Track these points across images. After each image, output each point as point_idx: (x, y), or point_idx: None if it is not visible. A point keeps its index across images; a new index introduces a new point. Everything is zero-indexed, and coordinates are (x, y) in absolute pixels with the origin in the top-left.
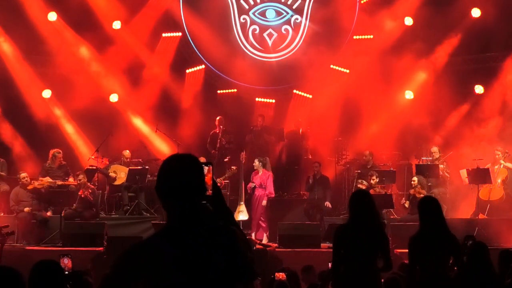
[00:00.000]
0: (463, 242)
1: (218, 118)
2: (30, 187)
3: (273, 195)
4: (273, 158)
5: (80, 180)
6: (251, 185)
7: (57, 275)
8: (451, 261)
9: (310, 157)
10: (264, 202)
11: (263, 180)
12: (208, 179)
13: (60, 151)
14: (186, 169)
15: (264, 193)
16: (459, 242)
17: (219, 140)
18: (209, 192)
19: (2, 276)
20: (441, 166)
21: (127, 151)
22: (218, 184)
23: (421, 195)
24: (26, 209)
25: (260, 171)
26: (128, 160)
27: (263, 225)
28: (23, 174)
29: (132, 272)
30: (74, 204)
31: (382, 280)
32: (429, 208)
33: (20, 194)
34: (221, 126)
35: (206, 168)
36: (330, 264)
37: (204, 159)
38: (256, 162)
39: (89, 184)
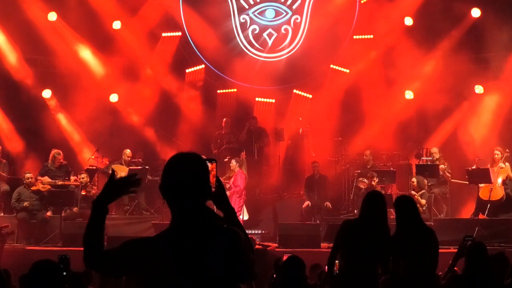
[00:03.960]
0: (462, 242)
1: (224, 119)
2: (33, 188)
3: (240, 190)
4: (273, 158)
5: (83, 178)
6: (226, 185)
7: (56, 275)
8: (451, 262)
9: (314, 154)
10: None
11: (235, 180)
12: (211, 176)
13: (60, 152)
14: (189, 167)
15: (238, 192)
16: (435, 235)
17: (219, 141)
18: (213, 189)
19: None
20: (442, 166)
21: (128, 150)
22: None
23: (422, 200)
24: (26, 203)
25: (235, 171)
26: (129, 159)
27: None
28: (28, 175)
29: (131, 258)
30: (75, 208)
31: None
32: (404, 207)
33: (22, 193)
34: (227, 128)
35: (209, 165)
36: (326, 268)
37: (204, 158)
38: (233, 163)
39: (90, 184)
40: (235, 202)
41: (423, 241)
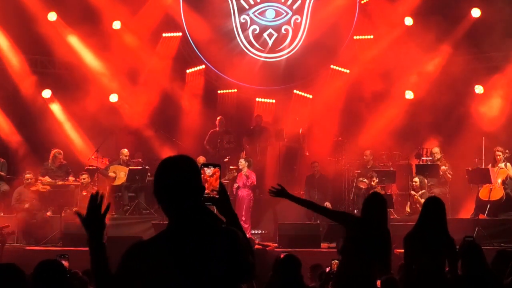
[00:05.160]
0: (462, 243)
1: (218, 118)
2: (33, 188)
3: (254, 183)
4: (273, 158)
5: (84, 179)
6: (235, 185)
7: (61, 275)
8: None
9: (307, 154)
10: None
11: (246, 180)
12: (214, 179)
13: (61, 151)
14: (186, 167)
15: (247, 193)
16: (455, 244)
17: (219, 140)
18: (216, 194)
19: (4, 273)
20: (443, 167)
21: (125, 149)
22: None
23: (422, 200)
24: (26, 205)
25: (244, 171)
26: (127, 158)
27: (245, 225)
28: (28, 175)
29: (133, 273)
30: (75, 208)
31: (379, 282)
32: (432, 208)
33: (23, 193)
34: (222, 126)
35: (212, 169)
36: (328, 269)
37: (203, 158)
38: (242, 162)
39: (91, 185)
40: (248, 203)
41: (440, 246)
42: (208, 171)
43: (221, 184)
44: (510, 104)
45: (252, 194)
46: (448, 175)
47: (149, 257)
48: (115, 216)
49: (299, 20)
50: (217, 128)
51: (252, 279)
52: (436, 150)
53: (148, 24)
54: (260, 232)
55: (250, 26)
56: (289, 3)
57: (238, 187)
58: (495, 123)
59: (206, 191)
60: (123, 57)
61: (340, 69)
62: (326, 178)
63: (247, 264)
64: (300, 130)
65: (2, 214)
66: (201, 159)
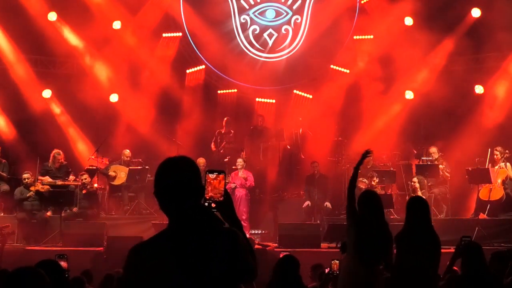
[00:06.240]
0: (459, 243)
1: (225, 118)
2: (32, 188)
3: (252, 185)
4: (274, 158)
5: (85, 179)
6: (231, 185)
7: (58, 275)
8: (448, 263)
9: (303, 156)
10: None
11: (243, 180)
12: (217, 182)
13: (61, 152)
14: (179, 170)
15: (245, 192)
16: (440, 242)
17: (218, 141)
18: (220, 197)
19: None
20: (441, 166)
21: (127, 150)
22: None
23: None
24: (30, 193)
25: (241, 171)
26: (129, 159)
27: (244, 224)
28: (26, 175)
29: (139, 274)
30: (75, 208)
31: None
32: (416, 207)
33: (23, 193)
34: (228, 127)
35: (215, 175)
36: (327, 270)
37: (203, 160)
38: (241, 162)
39: (91, 185)
40: (245, 203)
41: (426, 244)
42: (212, 176)
43: (225, 189)
44: (510, 104)
45: (249, 194)
46: (446, 173)
47: (151, 257)
48: (115, 216)
49: (299, 20)
50: (223, 129)
51: (253, 280)
52: (434, 150)
53: (148, 24)
54: (260, 232)
55: (250, 26)
56: (289, 3)
57: (235, 187)
58: (495, 123)
59: (210, 194)
60: (123, 57)
61: (340, 69)
62: (326, 178)
63: (247, 265)
64: (300, 130)
65: (2, 214)
66: (201, 161)
